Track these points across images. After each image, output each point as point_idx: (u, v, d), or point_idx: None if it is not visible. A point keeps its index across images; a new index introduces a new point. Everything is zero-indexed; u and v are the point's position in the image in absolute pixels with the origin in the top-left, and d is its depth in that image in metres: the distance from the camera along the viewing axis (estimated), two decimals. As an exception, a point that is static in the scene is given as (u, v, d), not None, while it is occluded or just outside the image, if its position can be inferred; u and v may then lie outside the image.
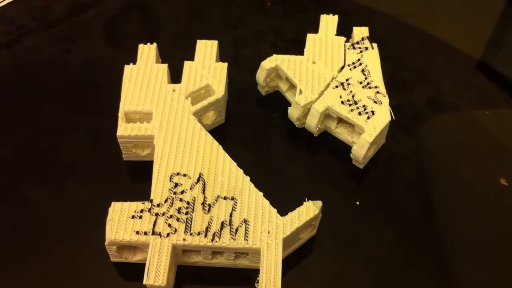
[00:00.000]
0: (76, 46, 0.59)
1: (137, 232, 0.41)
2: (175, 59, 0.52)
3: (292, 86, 0.52)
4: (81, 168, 0.49)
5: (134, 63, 0.51)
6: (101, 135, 0.51)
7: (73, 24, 0.61)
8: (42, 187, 0.48)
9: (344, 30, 0.55)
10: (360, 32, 0.54)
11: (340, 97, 0.49)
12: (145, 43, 0.52)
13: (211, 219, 0.42)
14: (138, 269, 0.41)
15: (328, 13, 0.56)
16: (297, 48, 0.54)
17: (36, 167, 0.49)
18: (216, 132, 0.48)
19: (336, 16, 0.55)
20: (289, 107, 0.51)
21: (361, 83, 0.50)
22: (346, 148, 0.50)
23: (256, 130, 0.52)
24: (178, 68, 0.51)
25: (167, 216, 0.42)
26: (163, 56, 0.53)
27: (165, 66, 0.50)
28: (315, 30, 0.55)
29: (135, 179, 0.48)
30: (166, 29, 0.61)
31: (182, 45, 0.58)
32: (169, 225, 0.41)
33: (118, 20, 0.62)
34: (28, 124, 0.52)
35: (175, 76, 0.51)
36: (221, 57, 0.53)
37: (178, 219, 0.42)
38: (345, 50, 0.53)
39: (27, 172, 0.48)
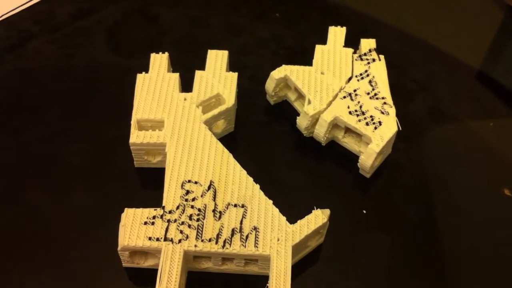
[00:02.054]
0: (80, 51, 0.59)
1: (150, 238, 0.42)
2: (178, 65, 0.53)
3: (301, 96, 0.53)
4: (91, 174, 0.49)
5: (137, 69, 0.52)
6: (109, 141, 0.51)
7: (76, 29, 0.62)
8: (52, 193, 0.48)
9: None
10: (368, 43, 0.55)
11: (348, 107, 0.50)
12: (148, 50, 0.53)
13: (222, 226, 0.43)
14: (149, 275, 0.42)
15: (329, 22, 0.57)
16: (299, 56, 0.55)
17: (44, 173, 0.49)
18: (225, 141, 0.49)
19: (344, 28, 0.56)
20: (297, 117, 0.52)
21: (368, 94, 0.51)
22: (353, 158, 0.51)
23: (264, 138, 0.53)
24: (182, 74, 0.52)
25: (179, 223, 0.42)
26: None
27: (177, 75, 0.51)
28: (317, 38, 0.56)
29: (146, 186, 0.49)
30: (168, 36, 0.62)
31: (185, 52, 0.59)
32: (181, 232, 0.42)
33: (121, 26, 0.63)
34: (33, 129, 0.52)
35: (181, 83, 0.52)
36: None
37: (189, 226, 0.42)
38: (352, 61, 0.54)
39: (35, 178, 0.49)
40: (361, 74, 0.53)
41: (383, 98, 0.51)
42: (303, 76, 0.52)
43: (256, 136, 0.53)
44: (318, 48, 0.55)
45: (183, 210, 0.43)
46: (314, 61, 0.54)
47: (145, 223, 0.42)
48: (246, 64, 0.59)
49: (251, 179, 0.45)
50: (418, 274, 0.45)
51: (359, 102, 0.50)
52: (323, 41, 0.56)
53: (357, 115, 0.49)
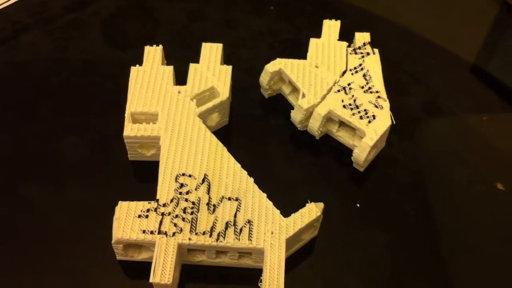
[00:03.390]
0: (74, 44, 0.59)
1: (144, 231, 0.42)
2: (173, 58, 0.53)
3: (295, 90, 0.53)
4: (85, 167, 0.49)
5: (132, 62, 0.52)
6: (104, 134, 0.51)
7: (70, 21, 0.61)
8: (46, 187, 0.48)
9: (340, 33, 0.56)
10: (362, 37, 0.55)
11: (342, 101, 0.50)
12: (143, 43, 0.53)
13: (216, 219, 0.43)
14: (143, 268, 0.42)
15: (324, 16, 0.57)
16: (295, 49, 0.55)
17: (38, 167, 0.49)
18: (220, 134, 0.49)
19: (339, 22, 0.56)
20: (291, 110, 0.52)
21: (362, 87, 0.51)
22: (347, 151, 0.51)
23: (258, 132, 0.53)
24: (177, 67, 0.52)
25: (173, 216, 0.42)
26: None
27: (171, 68, 0.51)
28: (312, 32, 0.56)
29: (140, 179, 0.49)
30: (164, 29, 0.62)
31: (180, 45, 0.59)
32: (175, 225, 0.42)
33: (116, 19, 0.62)
34: (27, 123, 0.52)
35: (175, 76, 0.52)
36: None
37: (183, 219, 0.42)
38: (347, 55, 0.54)
39: (29, 173, 0.49)
40: (355, 68, 0.53)
41: (377, 92, 0.51)
42: (298, 70, 0.52)
43: (250, 129, 0.53)
44: (313, 41, 0.55)
45: (177, 203, 0.43)
46: (308, 54, 0.54)
47: (139, 216, 0.42)
48: (241, 57, 0.59)
49: (245, 172, 0.45)
50: (412, 268, 0.45)
51: (353, 95, 0.50)
52: (319, 35, 0.56)
53: (351, 109, 0.49)
